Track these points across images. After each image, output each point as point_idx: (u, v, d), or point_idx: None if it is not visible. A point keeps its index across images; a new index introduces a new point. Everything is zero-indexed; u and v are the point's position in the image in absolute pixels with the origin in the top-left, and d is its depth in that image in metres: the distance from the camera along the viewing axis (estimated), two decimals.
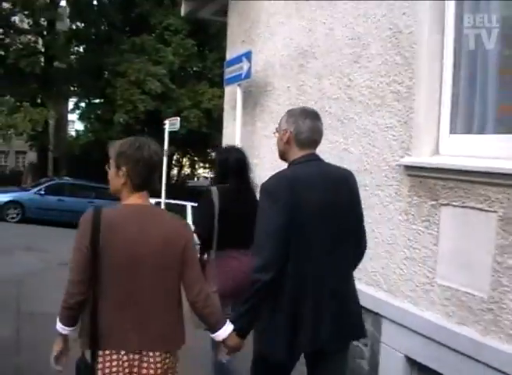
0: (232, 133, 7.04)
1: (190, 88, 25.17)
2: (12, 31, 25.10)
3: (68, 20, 27.22)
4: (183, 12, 9.18)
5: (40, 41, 25.79)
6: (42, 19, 24.94)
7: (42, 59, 25.63)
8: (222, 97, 14.85)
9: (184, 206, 17.14)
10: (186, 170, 38.27)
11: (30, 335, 5.67)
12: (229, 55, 7.40)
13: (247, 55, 6.47)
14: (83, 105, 29.42)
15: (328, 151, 5.04)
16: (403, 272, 4.15)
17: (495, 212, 3.37)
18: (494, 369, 3.27)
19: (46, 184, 21.19)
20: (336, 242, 2.86)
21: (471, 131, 3.83)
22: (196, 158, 36.22)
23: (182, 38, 24.98)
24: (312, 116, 2.99)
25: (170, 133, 13.16)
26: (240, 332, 2.79)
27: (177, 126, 13.01)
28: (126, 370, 2.46)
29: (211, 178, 4.70)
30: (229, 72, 7.02)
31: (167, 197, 13.16)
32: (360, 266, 4.56)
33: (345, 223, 2.91)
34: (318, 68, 5.33)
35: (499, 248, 3.33)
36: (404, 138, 4.17)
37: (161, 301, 2.54)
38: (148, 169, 2.57)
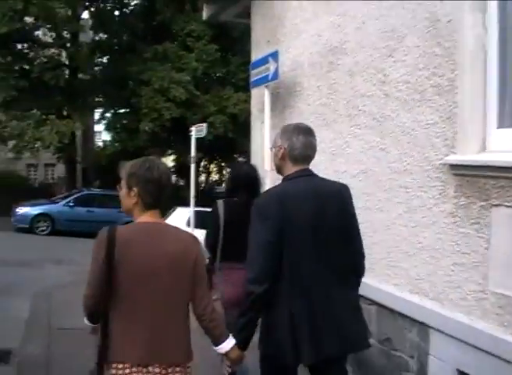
0: (260, 138, 6.88)
1: (214, 94, 25.09)
2: (35, 45, 25.38)
3: (91, 32, 27.42)
4: (204, 16, 9.11)
5: (64, 54, 26.08)
6: (65, 31, 25.19)
7: (66, 72, 25.92)
8: (247, 101, 14.78)
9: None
10: (214, 176, 38.38)
11: (60, 351, 5.59)
12: (255, 56, 7.22)
13: (274, 56, 6.26)
14: (108, 115, 29.63)
15: (364, 152, 4.86)
16: (452, 279, 3.91)
17: None
18: None
19: (75, 196, 21.39)
20: (325, 252, 3.02)
21: None
22: (223, 164, 36.33)
23: (204, 44, 24.92)
24: (305, 132, 3.18)
25: (197, 139, 13.05)
26: (240, 345, 2.94)
27: (204, 133, 12.88)
28: None
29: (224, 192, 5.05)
30: (255, 74, 6.82)
31: (196, 205, 12.99)
32: (403, 272, 4.39)
33: (335, 234, 3.06)
34: (350, 64, 5.13)
35: None
36: (448, 135, 3.93)
37: (171, 314, 2.68)
38: (158, 189, 2.73)
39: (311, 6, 5.85)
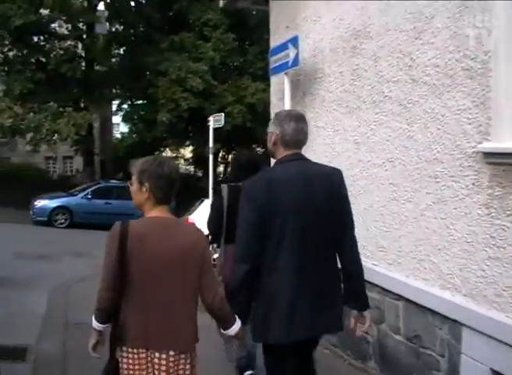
0: None
1: (232, 84, 25.03)
2: (51, 38, 25.40)
3: (107, 23, 27.35)
4: (221, 4, 8.92)
5: (80, 46, 26.05)
6: (81, 23, 25.24)
7: (83, 63, 25.95)
8: (265, 91, 14.56)
9: None
10: None
11: (77, 347, 5.37)
12: (273, 42, 7.03)
13: (294, 41, 6.07)
14: (125, 106, 29.67)
15: (390, 141, 4.70)
16: (486, 274, 3.76)
17: None
18: None
19: (92, 188, 21.39)
20: (310, 234, 3.10)
21: None
22: None
23: (221, 33, 24.81)
24: (296, 118, 3.28)
25: (215, 130, 12.92)
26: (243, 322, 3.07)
27: (221, 123, 12.74)
28: (143, 367, 2.74)
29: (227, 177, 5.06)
30: (274, 60, 6.62)
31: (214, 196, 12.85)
32: (432, 266, 4.20)
33: (323, 217, 3.13)
34: (374, 49, 4.97)
35: None
36: (481, 121, 3.77)
37: (181, 304, 2.81)
38: (169, 184, 2.87)
39: None
